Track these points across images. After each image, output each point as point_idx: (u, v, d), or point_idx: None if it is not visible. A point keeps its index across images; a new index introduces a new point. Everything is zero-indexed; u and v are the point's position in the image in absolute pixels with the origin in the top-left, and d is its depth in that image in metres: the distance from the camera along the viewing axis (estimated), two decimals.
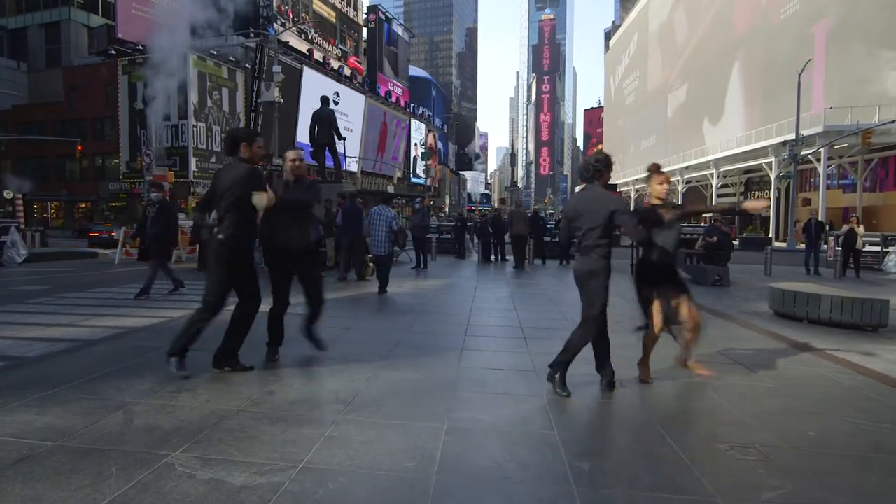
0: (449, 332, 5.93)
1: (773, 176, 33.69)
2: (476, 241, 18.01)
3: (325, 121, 13.34)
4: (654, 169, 4.25)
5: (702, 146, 44.45)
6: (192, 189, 33.07)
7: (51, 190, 39.88)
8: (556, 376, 3.82)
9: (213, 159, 34.29)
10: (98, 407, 3.29)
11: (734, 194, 44.64)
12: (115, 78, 35.52)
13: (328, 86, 40.24)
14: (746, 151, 36.13)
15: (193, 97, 33.16)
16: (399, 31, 67.58)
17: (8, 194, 26.70)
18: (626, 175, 63.19)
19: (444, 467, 2.60)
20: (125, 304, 7.41)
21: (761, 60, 38.01)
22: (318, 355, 4.61)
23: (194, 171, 33.41)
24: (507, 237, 15.83)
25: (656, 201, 4.22)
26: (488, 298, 8.71)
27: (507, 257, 16.03)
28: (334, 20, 51.60)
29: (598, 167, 3.91)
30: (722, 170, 41.25)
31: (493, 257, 16.15)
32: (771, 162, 33.66)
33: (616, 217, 3.67)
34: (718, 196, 42.47)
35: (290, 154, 4.50)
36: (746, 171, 40.39)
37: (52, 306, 7.26)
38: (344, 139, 14.52)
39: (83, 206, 40.96)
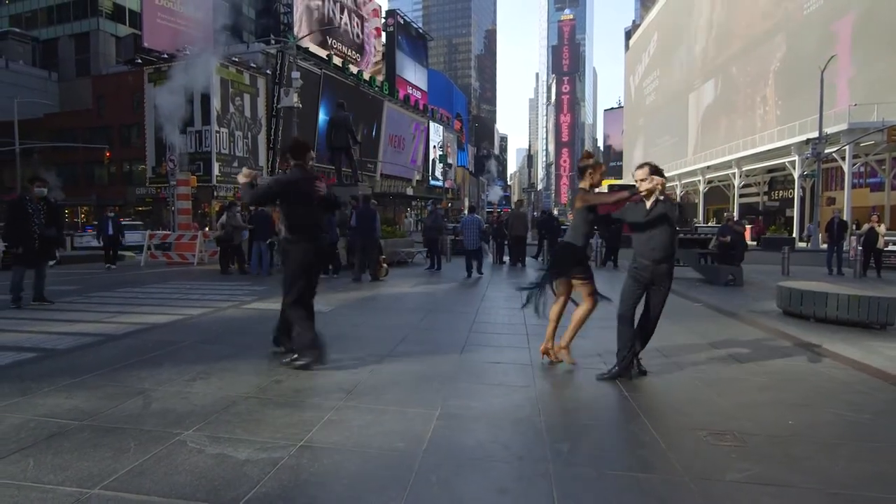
0: (454, 329, 6.13)
1: (796, 175, 33.08)
2: (491, 242, 18.16)
3: (341, 125, 13.70)
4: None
5: (723, 145, 43.83)
6: (214, 193, 33.93)
7: (80, 195, 41.24)
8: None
9: (234, 164, 35.09)
10: (120, 392, 3.58)
11: (758, 194, 43.92)
12: (142, 86, 36.60)
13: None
14: (769, 150, 35.54)
15: (216, 103, 34.01)
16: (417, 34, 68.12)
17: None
18: None
19: (431, 447, 2.80)
20: (148, 303, 7.79)
21: (784, 58, 37.40)
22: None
23: (217, 176, 34.27)
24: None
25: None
26: (497, 297, 8.89)
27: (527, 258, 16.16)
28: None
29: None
30: (744, 169, 40.61)
31: (507, 258, 16.30)
32: (794, 161, 33.06)
33: None
34: (741, 196, 41.82)
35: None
36: (770, 170, 39.68)
37: (81, 304, 7.68)
38: (359, 143, 14.87)
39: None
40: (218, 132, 34.41)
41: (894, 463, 2.81)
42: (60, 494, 2.24)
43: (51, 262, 13.85)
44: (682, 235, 14.34)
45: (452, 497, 2.31)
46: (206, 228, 21.43)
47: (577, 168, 4.44)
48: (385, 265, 11.34)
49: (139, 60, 36.31)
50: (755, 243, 28.49)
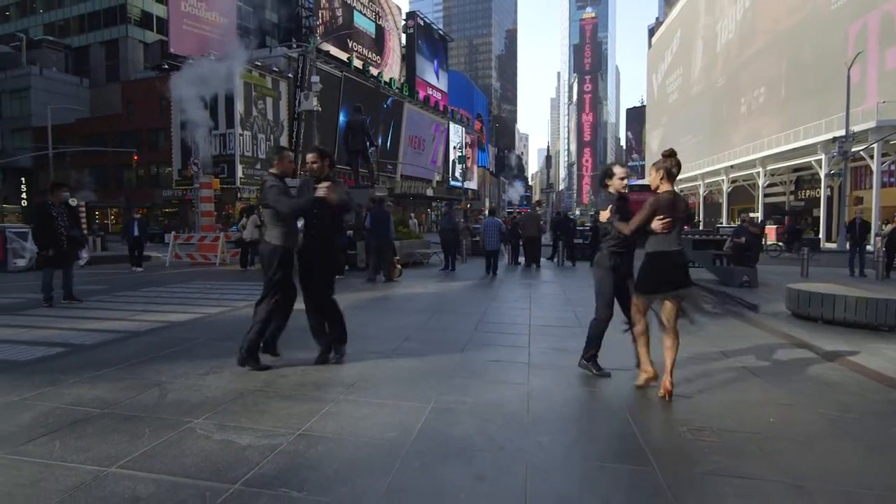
0: (460, 329, 6.31)
1: (822, 174, 32.35)
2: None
3: (357, 128, 14.04)
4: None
5: (747, 144, 43.03)
6: (238, 195, 34.73)
7: (110, 197, 42.60)
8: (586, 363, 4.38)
9: (258, 166, 35.85)
10: (138, 384, 3.88)
11: (784, 193, 43.01)
12: (169, 91, 37.63)
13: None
14: (794, 149, 34.82)
15: (240, 107, 34.80)
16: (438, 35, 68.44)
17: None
18: None
19: (420, 437, 3.01)
20: (170, 302, 8.16)
21: (810, 54, 36.58)
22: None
23: (241, 178, 35.07)
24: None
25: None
26: (507, 298, 9.04)
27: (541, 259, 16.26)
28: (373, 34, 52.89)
29: (600, 178, 4.49)
30: (769, 168, 39.83)
31: (521, 259, 16.41)
32: (821, 159, 32.33)
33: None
34: (766, 195, 41.02)
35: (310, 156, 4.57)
36: (795, 169, 38.84)
37: (108, 303, 8.09)
38: (376, 146, 15.19)
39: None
40: (241, 135, 35.21)
41: (864, 459, 2.91)
42: (82, 472, 2.51)
43: (80, 263, 14.47)
44: (698, 237, 14.25)
45: (432, 481, 2.51)
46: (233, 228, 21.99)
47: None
48: (399, 266, 11.57)
49: (166, 66, 37.34)
50: (782, 244, 27.97)
